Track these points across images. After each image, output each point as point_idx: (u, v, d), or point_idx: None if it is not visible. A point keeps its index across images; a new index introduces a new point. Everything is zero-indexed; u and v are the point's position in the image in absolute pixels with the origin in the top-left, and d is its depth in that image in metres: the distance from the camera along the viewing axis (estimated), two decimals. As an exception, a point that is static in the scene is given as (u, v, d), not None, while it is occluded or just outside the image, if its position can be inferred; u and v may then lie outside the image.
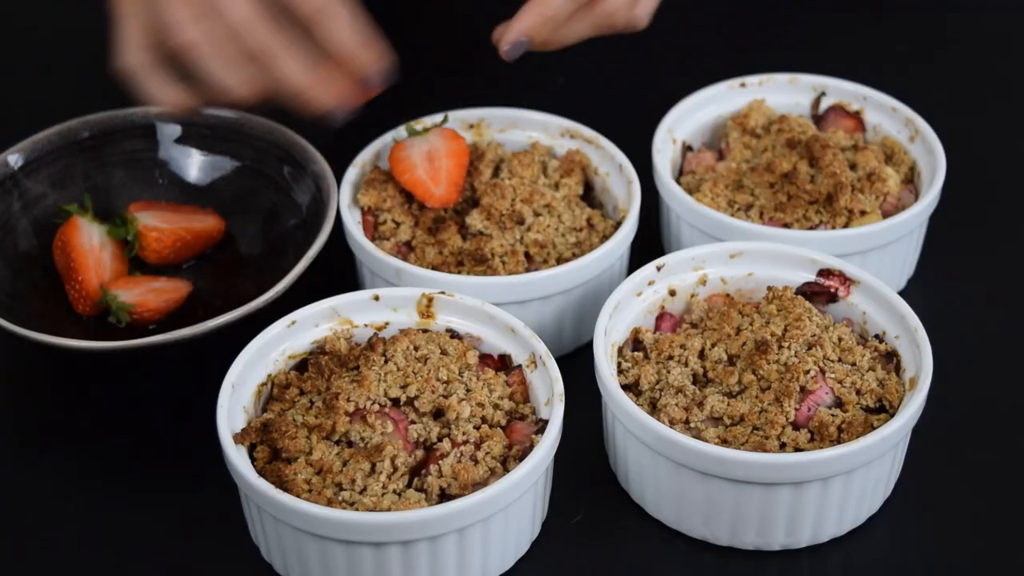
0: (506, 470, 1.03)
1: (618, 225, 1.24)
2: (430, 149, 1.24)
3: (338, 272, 1.27)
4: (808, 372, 1.07)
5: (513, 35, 1.20)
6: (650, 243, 1.32)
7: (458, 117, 1.31)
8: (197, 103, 1.18)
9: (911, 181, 1.30)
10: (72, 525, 1.09)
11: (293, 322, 1.12)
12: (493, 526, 1.01)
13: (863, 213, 1.24)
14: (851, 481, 1.04)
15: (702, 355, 1.11)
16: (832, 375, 1.08)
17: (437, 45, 1.61)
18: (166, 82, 1.17)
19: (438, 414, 1.06)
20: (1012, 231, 1.36)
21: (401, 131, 1.29)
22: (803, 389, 1.06)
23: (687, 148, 1.34)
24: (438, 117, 1.30)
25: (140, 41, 1.16)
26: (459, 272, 1.20)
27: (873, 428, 1.05)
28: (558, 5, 1.19)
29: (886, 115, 1.34)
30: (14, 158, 1.28)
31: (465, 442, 1.04)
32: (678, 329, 1.16)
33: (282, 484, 1.01)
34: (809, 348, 1.09)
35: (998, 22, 1.66)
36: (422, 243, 1.23)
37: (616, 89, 1.55)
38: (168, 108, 1.19)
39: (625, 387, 1.10)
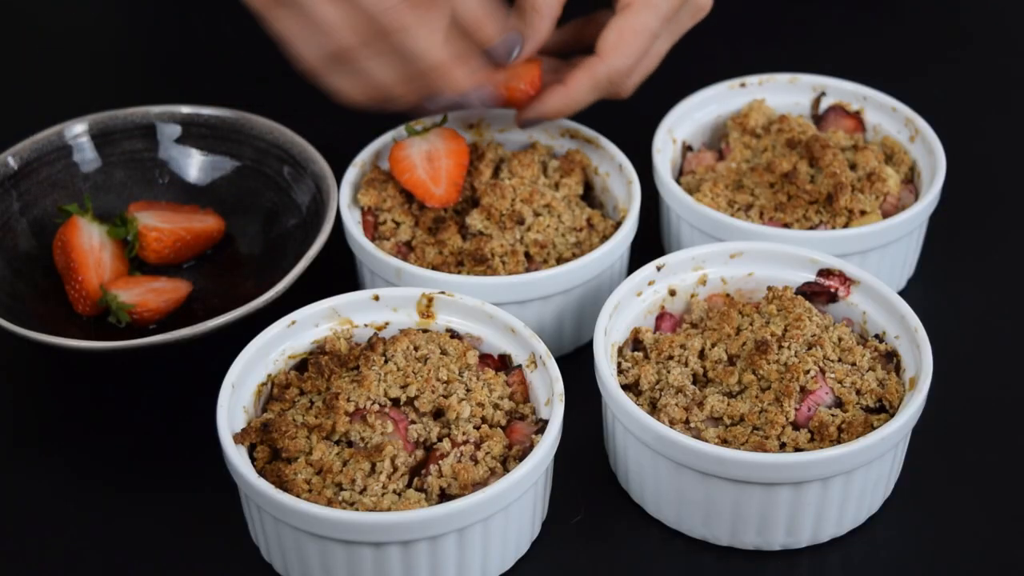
0: (506, 470, 1.03)
1: (618, 225, 1.24)
2: (430, 149, 1.24)
3: (338, 272, 1.27)
4: (808, 372, 1.07)
5: (535, 115, 1.23)
6: (650, 243, 1.32)
7: (458, 117, 1.31)
8: (374, 99, 1.16)
9: (911, 181, 1.30)
10: (72, 525, 1.09)
11: (293, 322, 1.12)
12: (493, 526, 1.01)
13: (863, 213, 1.24)
14: (851, 481, 1.04)
15: (702, 355, 1.11)
16: (832, 375, 1.08)
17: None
18: (346, 77, 1.15)
19: (438, 414, 1.06)
20: (1012, 231, 1.36)
21: (401, 131, 1.29)
22: (803, 389, 1.06)
23: (687, 148, 1.34)
24: (438, 117, 1.30)
25: (308, 43, 1.13)
26: (459, 272, 1.20)
27: (873, 428, 1.05)
28: (583, 99, 1.22)
29: (886, 115, 1.34)
30: (14, 158, 1.28)
31: (465, 442, 1.04)
32: (678, 329, 1.16)
33: (282, 484, 1.01)
34: (809, 348, 1.09)
35: (999, 22, 1.66)
36: (422, 243, 1.22)
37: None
38: (359, 103, 1.17)
39: (625, 387, 1.10)
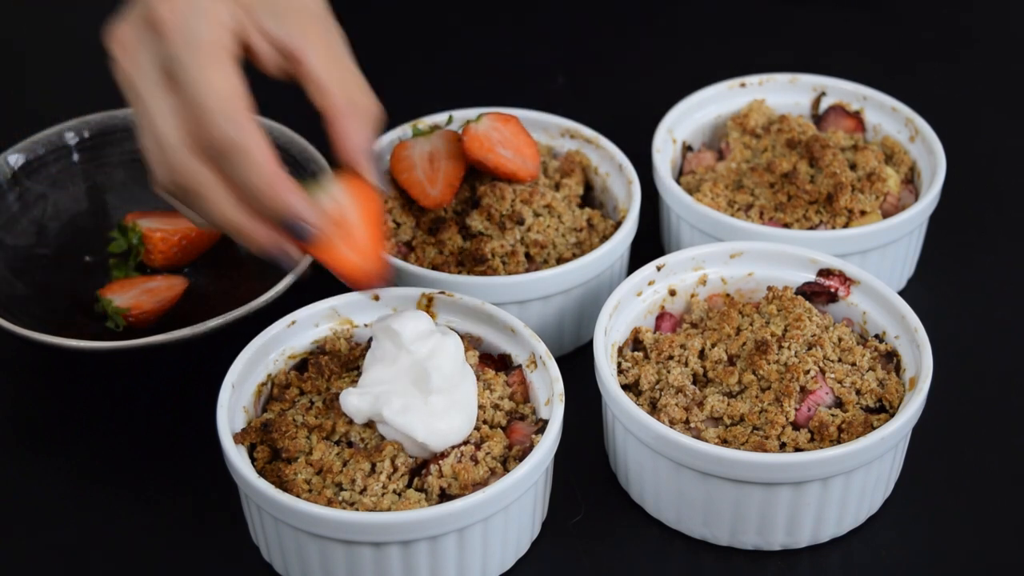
0: (506, 470, 1.03)
1: (618, 225, 1.24)
2: (432, 150, 1.24)
3: (338, 272, 1.27)
4: (808, 372, 1.07)
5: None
6: (650, 243, 1.32)
7: (459, 117, 1.31)
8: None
9: (911, 181, 1.30)
10: (72, 525, 1.09)
11: (293, 322, 1.12)
12: (493, 526, 1.01)
13: (863, 213, 1.24)
14: (851, 481, 1.04)
15: (702, 355, 1.11)
16: (832, 375, 1.08)
17: (438, 45, 1.61)
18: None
19: (438, 414, 1.06)
20: (1012, 231, 1.36)
21: (407, 131, 1.29)
22: (803, 389, 1.06)
23: (687, 148, 1.34)
24: (442, 117, 1.30)
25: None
26: (459, 272, 1.20)
27: (873, 428, 1.05)
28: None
29: (886, 115, 1.34)
30: (14, 158, 1.28)
31: (465, 442, 1.04)
32: (678, 329, 1.16)
33: (282, 484, 1.01)
34: (809, 348, 1.09)
35: (998, 22, 1.66)
36: (422, 243, 1.23)
37: (616, 89, 1.55)
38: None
39: (625, 387, 1.10)
